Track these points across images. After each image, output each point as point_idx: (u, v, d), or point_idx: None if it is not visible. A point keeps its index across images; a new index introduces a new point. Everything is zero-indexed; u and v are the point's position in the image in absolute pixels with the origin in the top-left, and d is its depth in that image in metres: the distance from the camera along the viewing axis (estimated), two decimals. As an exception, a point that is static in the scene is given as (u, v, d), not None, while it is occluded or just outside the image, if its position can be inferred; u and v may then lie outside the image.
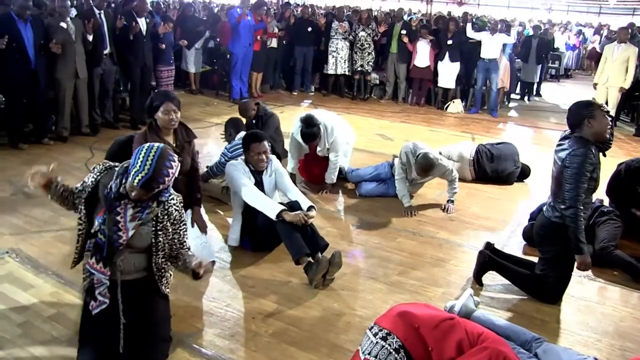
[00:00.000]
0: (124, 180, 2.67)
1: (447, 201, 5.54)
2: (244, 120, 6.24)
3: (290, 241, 4.00)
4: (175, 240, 2.90)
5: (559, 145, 3.77)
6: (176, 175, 2.70)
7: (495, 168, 6.35)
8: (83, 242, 2.84)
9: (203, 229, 4.17)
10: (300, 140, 5.70)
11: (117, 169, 2.76)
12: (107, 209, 2.69)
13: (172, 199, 2.86)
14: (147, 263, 2.87)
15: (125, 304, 2.79)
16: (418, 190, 5.86)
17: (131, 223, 2.70)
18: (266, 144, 4.40)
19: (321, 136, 5.71)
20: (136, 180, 2.58)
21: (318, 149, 5.85)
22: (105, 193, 2.72)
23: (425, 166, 5.27)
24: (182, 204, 2.93)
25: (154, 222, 2.79)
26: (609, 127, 3.65)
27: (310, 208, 4.20)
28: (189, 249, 3.00)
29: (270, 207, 4.12)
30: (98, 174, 2.81)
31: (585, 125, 3.60)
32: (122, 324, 2.77)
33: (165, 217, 2.81)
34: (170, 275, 3.05)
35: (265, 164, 4.41)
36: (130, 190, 2.65)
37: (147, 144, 2.69)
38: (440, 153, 5.56)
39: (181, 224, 2.91)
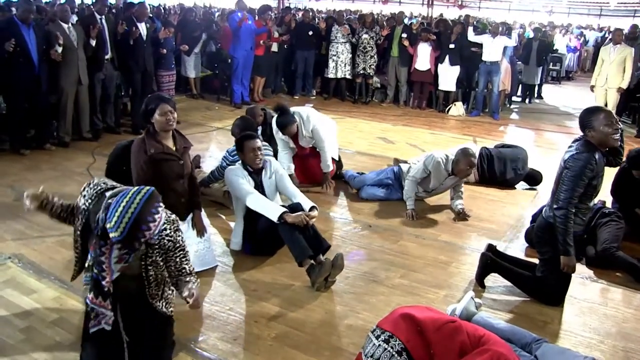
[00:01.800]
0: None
1: (458, 211, 5.45)
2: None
3: (293, 243, 4.00)
4: (172, 268, 2.80)
5: (569, 147, 3.76)
6: (160, 226, 2.48)
7: (496, 172, 6.34)
8: (80, 266, 2.78)
9: (201, 232, 4.15)
10: (283, 137, 5.78)
11: (107, 195, 2.58)
12: (93, 247, 2.58)
13: (165, 229, 2.69)
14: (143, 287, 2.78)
15: (126, 320, 2.74)
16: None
17: (117, 265, 2.55)
18: (259, 141, 4.43)
19: (298, 125, 5.80)
20: (112, 236, 2.41)
21: (300, 140, 5.92)
22: (94, 228, 2.59)
23: (472, 161, 5.33)
24: (176, 228, 2.78)
25: (142, 257, 2.66)
26: (614, 135, 3.59)
27: (312, 208, 4.22)
28: (190, 273, 2.88)
29: (271, 209, 4.13)
30: (89, 200, 2.68)
31: (588, 133, 3.61)
32: (126, 342, 2.73)
33: (155, 250, 2.68)
34: (172, 294, 2.98)
35: (261, 161, 4.42)
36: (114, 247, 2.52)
37: (133, 191, 2.46)
38: (445, 154, 5.55)
39: (176, 251, 2.78)
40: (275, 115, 5.76)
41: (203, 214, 4.30)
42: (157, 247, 2.67)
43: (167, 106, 3.77)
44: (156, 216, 2.43)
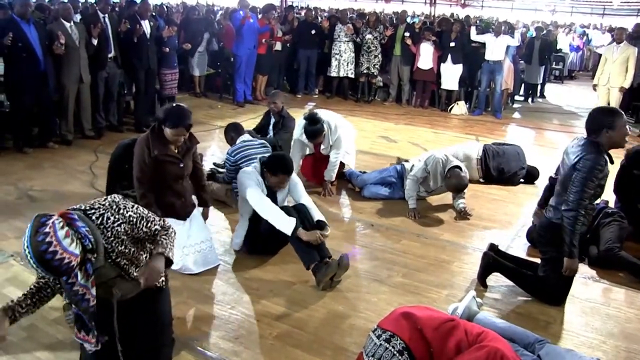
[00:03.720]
0: None
1: (460, 210, 5.44)
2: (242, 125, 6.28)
3: (302, 251, 4.03)
4: (146, 237, 2.69)
5: (572, 147, 3.73)
6: (62, 241, 2.26)
7: (500, 168, 6.36)
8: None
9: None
10: (306, 141, 5.73)
11: None
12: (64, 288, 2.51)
13: (109, 220, 2.53)
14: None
15: (127, 311, 2.71)
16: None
17: (87, 282, 2.44)
18: (291, 178, 4.41)
19: (325, 134, 5.75)
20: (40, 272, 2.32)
21: (322, 147, 5.88)
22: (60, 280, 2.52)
23: (460, 186, 5.38)
24: (118, 208, 2.57)
25: (106, 256, 2.54)
26: (627, 135, 3.61)
27: (323, 224, 4.20)
28: (163, 228, 2.75)
29: (284, 222, 4.05)
30: None
31: (603, 134, 3.56)
32: (120, 352, 2.66)
33: (113, 241, 2.54)
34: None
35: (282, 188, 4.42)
36: None
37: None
38: (445, 155, 5.55)
39: (138, 225, 2.62)
40: (306, 123, 5.63)
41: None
42: (112, 238, 2.53)
43: (183, 130, 3.79)
44: (47, 240, 2.22)
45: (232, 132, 5.82)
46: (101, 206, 2.55)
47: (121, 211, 2.58)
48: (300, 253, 4.03)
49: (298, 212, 4.19)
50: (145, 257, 2.76)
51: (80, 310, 2.50)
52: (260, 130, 6.49)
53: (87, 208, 2.53)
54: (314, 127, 5.60)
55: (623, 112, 3.70)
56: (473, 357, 2.38)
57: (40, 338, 3.27)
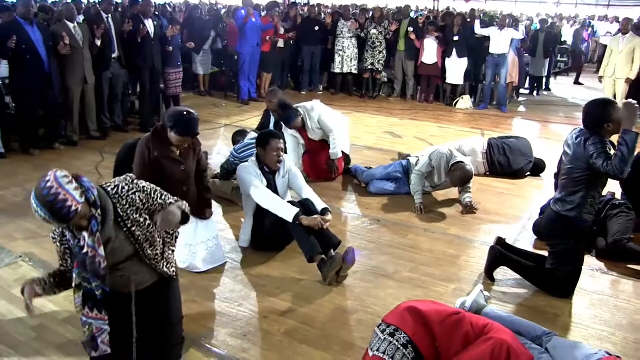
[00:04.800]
0: (71, 227, 2.50)
1: (466, 204, 5.42)
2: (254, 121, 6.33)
3: (303, 241, 4.02)
4: (158, 207, 2.71)
5: (571, 139, 3.71)
6: (65, 184, 2.37)
7: (507, 162, 6.34)
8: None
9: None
10: (291, 131, 5.89)
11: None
12: (75, 256, 2.55)
13: (123, 190, 2.62)
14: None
15: (140, 309, 2.74)
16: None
17: (94, 242, 2.47)
18: (282, 142, 4.41)
19: (303, 118, 5.89)
20: (47, 218, 2.37)
21: (309, 134, 5.98)
22: (71, 246, 2.59)
23: (465, 179, 5.35)
24: (132, 180, 2.68)
25: (122, 224, 2.60)
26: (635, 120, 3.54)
27: (325, 211, 4.20)
28: (175, 200, 2.81)
29: (285, 210, 4.09)
30: (59, 238, 2.64)
31: (605, 129, 3.53)
32: (135, 338, 2.71)
33: (128, 209, 2.60)
34: (170, 254, 2.94)
35: (280, 163, 4.39)
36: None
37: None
38: (449, 150, 5.54)
39: (153, 195, 2.70)
40: (279, 109, 5.83)
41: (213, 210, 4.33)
42: (127, 206, 2.60)
43: (189, 139, 3.80)
44: (48, 184, 2.34)
45: (239, 137, 5.88)
46: (117, 180, 2.68)
47: (135, 182, 2.69)
48: (301, 243, 4.02)
49: (302, 205, 4.21)
50: (162, 245, 2.82)
51: (92, 276, 2.54)
52: (262, 129, 6.50)
53: (105, 184, 2.66)
54: (285, 114, 5.76)
55: (615, 100, 3.65)
56: (479, 350, 2.38)
57: (50, 338, 3.29)
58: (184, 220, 2.79)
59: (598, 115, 3.55)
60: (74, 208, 2.35)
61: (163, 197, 2.76)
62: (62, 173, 2.41)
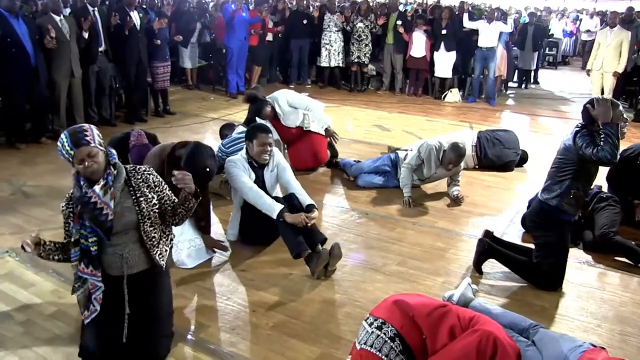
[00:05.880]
0: (81, 183, 2.70)
1: (454, 197, 5.48)
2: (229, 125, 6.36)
3: (289, 239, 4.00)
4: (168, 202, 2.96)
5: (565, 136, 3.81)
6: (92, 131, 2.69)
7: (497, 154, 6.38)
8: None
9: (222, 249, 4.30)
10: (266, 123, 5.84)
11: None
12: (78, 204, 2.70)
13: (140, 168, 2.91)
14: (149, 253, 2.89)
15: (131, 297, 2.81)
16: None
17: (106, 197, 2.67)
18: (272, 137, 4.39)
19: (272, 106, 6.01)
20: (68, 148, 2.63)
21: (283, 121, 6.06)
22: (74, 201, 2.75)
23: (460, 153, 5.34)
24: (149, 168, 2.97)
25: (131, 192, 2.81)
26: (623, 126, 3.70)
27: (311, 207, 4.16)
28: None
29: (270, 206, 4.07)
30: (66, 203, 2.81)
31: (595, 125, 3.62)
32: (127, 314, 2.79)
33: (141, 183, 2.84)
34: (165, 247, 2.99)
35: (268, 157, 4.36)
36: (78, 167, 2.66)
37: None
38: (438, 142, 5.55)
39: (162, 185, 2.94)
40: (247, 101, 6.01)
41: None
42: (140, 180, 2.85)
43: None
44: (84, 127, 2.71)
45: (227, 130, 5.86)
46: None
47: (152, 169, 2.96)
48: (287, 240, 4.02)
49: (287, 200, 4.20)
50: (160, 232, 2.95)
51: (98, 228, 2.69)
52: (249, 124, 6.49)
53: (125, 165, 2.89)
54: (254, 105, 5.90)
55: (619, 103, 3.70)
56: (466, 342, 2.40)
57: (37, 333, 3.27)
58: (196, 195, 2.95)
59: (586, 112, 3.67)
60: (89, 138, 2.64)
61: (169, 193, 2.98)
62: (97, 131, 2.74)
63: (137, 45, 7.88)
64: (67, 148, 2.63)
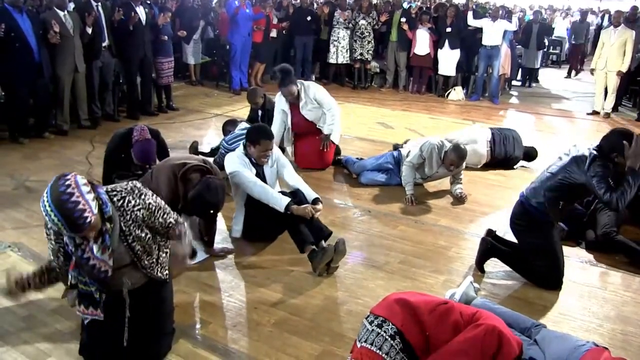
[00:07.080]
0: (76, 241, 2.51)
1: (456, 195, 5.48)
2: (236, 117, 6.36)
3: (295, 232, 4.02)
4: (159, 228, 2.75)
5: (577, 151, 3.73)
6: (87, 197, 2.34)
7: (506, 151, 6.39)
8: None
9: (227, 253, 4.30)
10: (282, 104, 5.94)
11: None
12: (76, 264, 2.57)
13: (129, 202, 2.60)
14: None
15: (131, 300, 2.78)
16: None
17: (104, 255, 2.50)
18: (273, 142, 4.39)
19: (298, 90, 5.94)
20: (64, 230, 2.35)
21: (301, 109, 6.01)
22: (69, 250, 2.58)
23: (462, 155, 5.32)
24: (140, 193, 2.65)
25: (122, 239, 2.61)
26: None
27: (316, 200, 4.21)
28: (177, 222, 2.82)
29: (276, 199, 4.08)
30: (54, 237, 2.64)
31: (611, 158, 3.53)
32: (127, 318, 2.75)
33: (132, 225, 2.61)
34: (164, 255, 2.93)
35: (267, 161, 4.37)
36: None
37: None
38: (440, 140, 5.54)
39: (155, 214, 2.69)
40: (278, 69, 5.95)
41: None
42: (130, 222, 2.60)
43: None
44: (69, 190, 2.29)
45: (230, 126, 5.86)
46: (123, 189, 2.62)
47: (142, 197, 2.65)
48: (294, 236, 4.03)
49: (292, 195, 4.20)
50: (157, 251, 2.82)
51: (94, 281, 2.55)
52: (251, 122, 6.50)
53: (109, 190, 2.59)
54: (284, 76, 5.85)
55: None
56: (471, 335, 2.38)
57: (39, 328, 3.27)
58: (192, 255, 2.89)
59: (615, 142, 3.53)
60: (89, 220, 2.32)
61: (164, 216, 2.75)
62: (83, 180, 2.37)
63: (143, 41, 7.88)
64: (63, 230, 2.36)
